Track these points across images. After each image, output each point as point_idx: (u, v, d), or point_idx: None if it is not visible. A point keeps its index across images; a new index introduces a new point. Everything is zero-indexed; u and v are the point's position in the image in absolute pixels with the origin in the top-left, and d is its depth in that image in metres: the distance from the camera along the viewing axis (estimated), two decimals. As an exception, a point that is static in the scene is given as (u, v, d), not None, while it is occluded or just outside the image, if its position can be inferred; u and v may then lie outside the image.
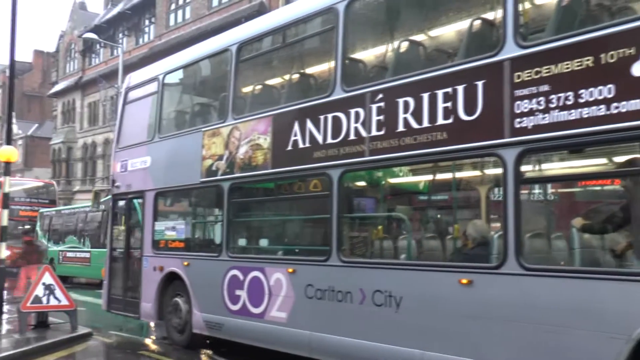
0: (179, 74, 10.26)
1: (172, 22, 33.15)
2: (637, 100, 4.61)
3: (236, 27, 9.54)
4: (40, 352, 8.92)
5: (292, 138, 7.44)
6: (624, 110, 4.68)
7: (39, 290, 10.01)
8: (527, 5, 5.75)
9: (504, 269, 5.30)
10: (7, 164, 12.22)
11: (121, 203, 10.82)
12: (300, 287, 7.17)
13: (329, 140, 6.97)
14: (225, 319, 8.24)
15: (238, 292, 8.04)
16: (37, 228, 25.30)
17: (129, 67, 33.30)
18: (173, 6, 33.05)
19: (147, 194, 9.91)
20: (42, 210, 27.05)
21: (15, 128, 43.53)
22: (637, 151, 5.03)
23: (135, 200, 10.42)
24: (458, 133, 5.78)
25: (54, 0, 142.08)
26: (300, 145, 7.34)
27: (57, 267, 20.92)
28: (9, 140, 12.79)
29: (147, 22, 36.05)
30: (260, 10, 24.60)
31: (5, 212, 11.61)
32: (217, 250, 8.59)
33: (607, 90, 4.78)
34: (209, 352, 8.96)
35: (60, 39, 47.16)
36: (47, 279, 10.11)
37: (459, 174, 6.80)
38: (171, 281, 9.32)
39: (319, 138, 7.11)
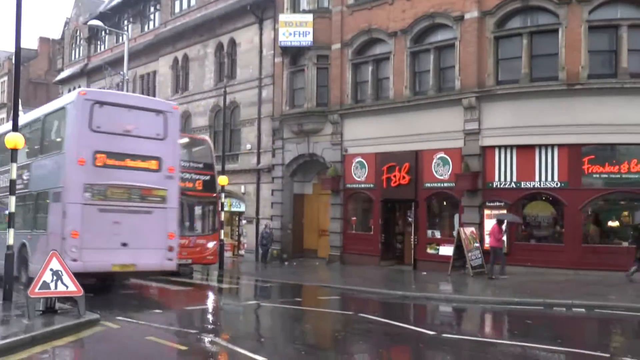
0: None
1: (177, 9, 32.90)
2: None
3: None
4: (49, 337, 9.09)
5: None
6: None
7: (47, 276, 9.93)
8: None
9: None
10: (14, 150, 12.48)
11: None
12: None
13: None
14: None
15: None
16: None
17: (135, 54, 33.33)
18: (178, -7, 32.71)
19: None
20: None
21: (21, 115, 43.00)
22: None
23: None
24: None
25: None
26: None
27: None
28: (16, 128, 12.88)
29: (152, 9, 35.76)
30: (266, -3, 24.94)
31: (12, 199, 12.40)
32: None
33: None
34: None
35: (65, 26, 47.07)
36: (55, 264, 9.99)
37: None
38: None
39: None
